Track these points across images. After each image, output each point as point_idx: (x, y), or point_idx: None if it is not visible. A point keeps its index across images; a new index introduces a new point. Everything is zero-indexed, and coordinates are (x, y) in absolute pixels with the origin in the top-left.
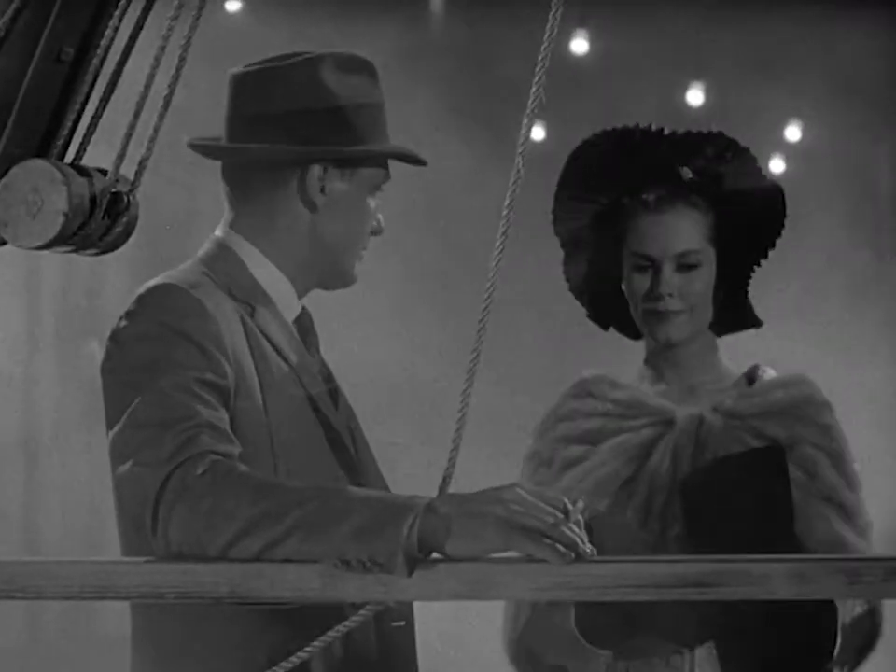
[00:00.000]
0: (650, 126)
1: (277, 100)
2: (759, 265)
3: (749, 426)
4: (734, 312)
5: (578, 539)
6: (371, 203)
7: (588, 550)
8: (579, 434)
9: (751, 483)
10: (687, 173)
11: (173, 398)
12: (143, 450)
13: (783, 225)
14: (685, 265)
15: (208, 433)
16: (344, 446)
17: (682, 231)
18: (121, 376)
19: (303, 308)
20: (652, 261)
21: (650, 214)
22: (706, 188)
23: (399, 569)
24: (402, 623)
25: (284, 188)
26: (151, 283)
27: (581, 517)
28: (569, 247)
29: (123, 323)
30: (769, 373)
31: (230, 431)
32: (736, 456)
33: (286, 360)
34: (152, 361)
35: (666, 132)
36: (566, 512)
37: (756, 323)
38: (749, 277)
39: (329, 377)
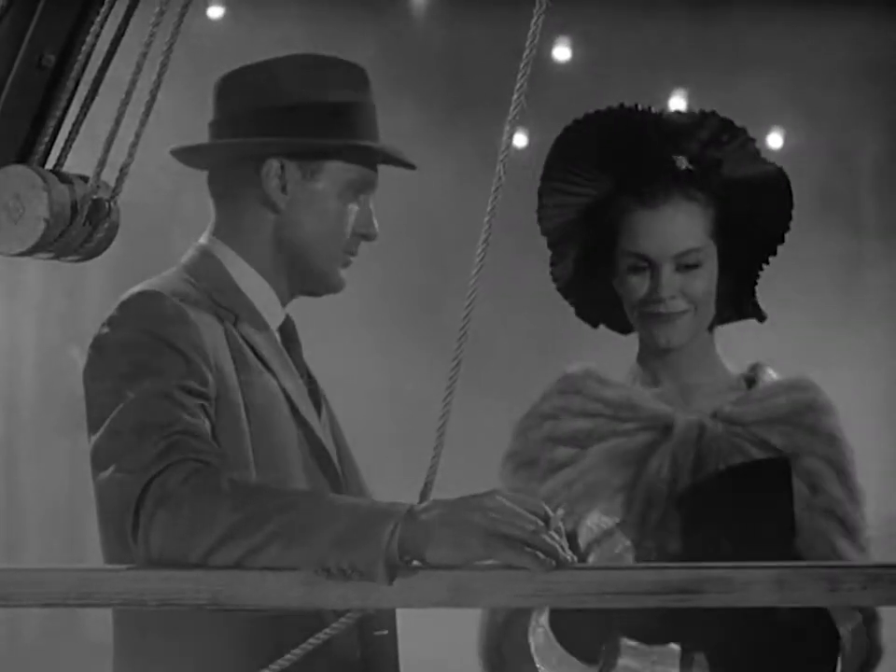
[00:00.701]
0: (635, 105)
1: (241, 100)
2: (768, 261)
3: (750, 433)
4: (736, 307)
5: (558, 547)
6: (349, 204)
7: (568, 557)
8: (567, 434)
9: (754, 498)
10: (682, 162)
11: (154, 404)
12: (124, 456)
13: (790, 215)
14: (686, 265)
15: (190, 440)
16: (327, 455)
17: (681, 228)
18: (104, 383)
19: (287, 316)
20: (650, 262)
21: (644, 209)
22: (704, 177)
23: (380, 577)
24: (385, 632)
25: (247, 189)
26: (134, 289)
27: (561, 524)
28: (557, 246)
29: (105, 330)
30: (769, 375)
31: (211, 438)
32: (740, 468)
33: (268, 369)
34: (134, 368)
35: (654, 110)
36: (546, 519)
37: (759, 315)
38: (758, 274)
39: (312, 386)
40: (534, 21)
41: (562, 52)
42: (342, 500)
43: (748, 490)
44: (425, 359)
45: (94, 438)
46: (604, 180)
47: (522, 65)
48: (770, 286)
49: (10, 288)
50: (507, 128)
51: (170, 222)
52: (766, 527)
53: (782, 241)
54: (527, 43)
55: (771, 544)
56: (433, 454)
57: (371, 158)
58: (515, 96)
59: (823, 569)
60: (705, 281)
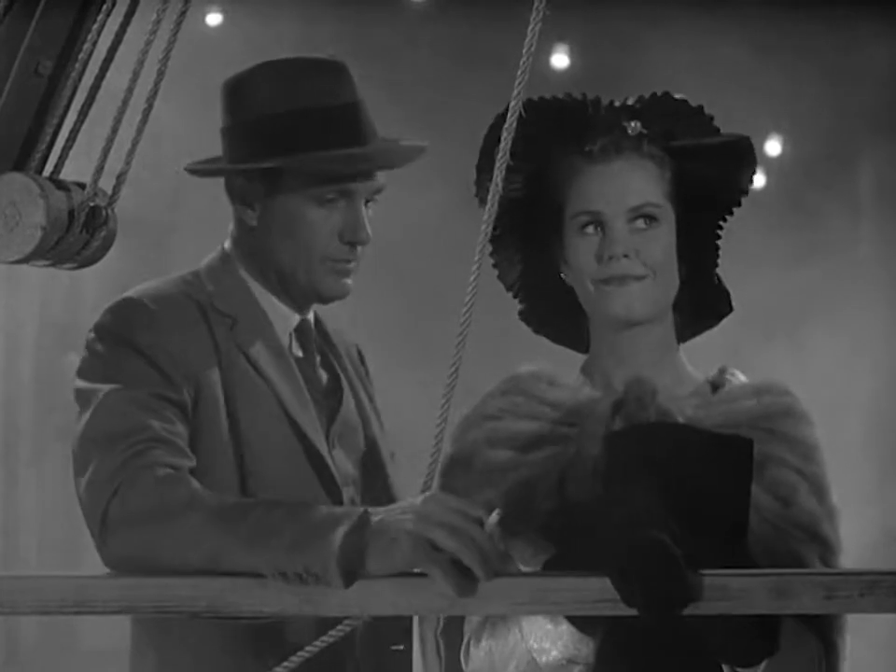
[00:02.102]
0: (584, 94)
1: (222, 114)
2: (722, 225)
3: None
4: (702, 292)
5: (485, 561)
6: (324, 212)
7: (495, 570)
8: (507, 436)
9: (705, 468)
10: (635, 127)
11: (124, 412)
12: (94, 463)
13: (753, 174)
14: (641, 223)
15: (158, 447)
16: (323, 462)
17: (635, 182)
18: (84, 385)
19: (302, 319)
20: (601, 220)
21: (594, 165)
22: (658, 140)
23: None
24: (402, 648)
25: (232, 206)
26: (122, 295)
27: (496, 530)
28: (499, 225)
29: (91, 335)
30: (738, 378)
31: (183, 445)
32: (690, 432)
33: (262, 375)
34: (108, 374)
35: (605, 101)
36: (481, 524)
37: (727, 308)
38: (718, 246)
39: (330, 393)
40: (530, 28)
41: (560, 60)
42: (301, 506)
43: (698, 457)
44: (418, 370)
45: (73, 445)
46: (549, 153)
47: (519, 73)
48: (767, 288)
49: (8, 296)
50: (504, 135)
51: (168, 230)
52: (715, 506)
53: (732, 211)
54: (524, 51)
55: (718, 528)
56: (430, 460)
57: (333, 168)
58: (512, 104)
59: (820, 577)
60: (663, 245)
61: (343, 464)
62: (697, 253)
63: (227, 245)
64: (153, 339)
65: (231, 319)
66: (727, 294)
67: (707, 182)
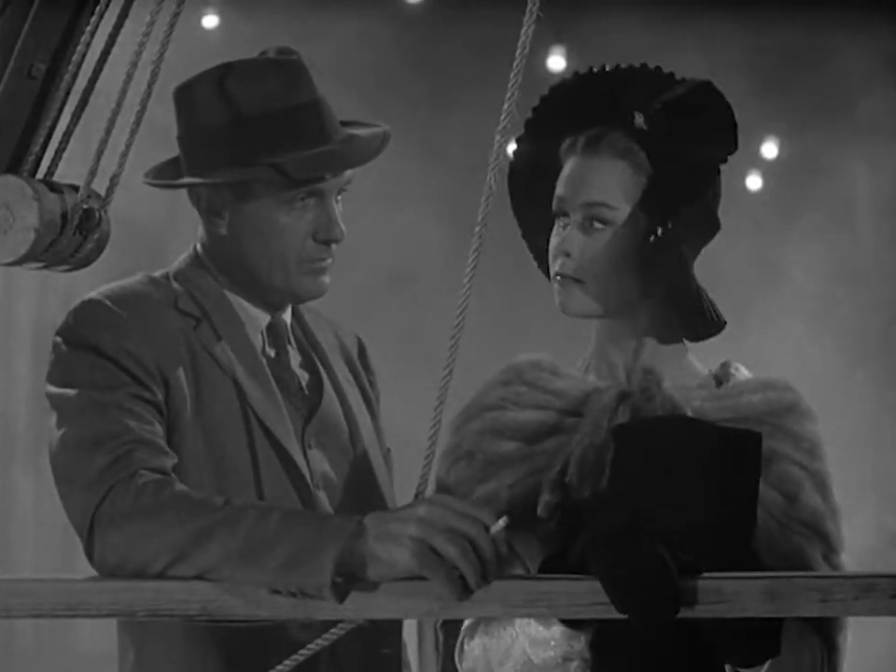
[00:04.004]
0: (631, 65)
1: (177, 120)
2: (699, 250)
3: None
4: (681, 310)
5: (484, 571)
6: (296, 214)
7: (489, 579)
8: (511, 426)
9: (714, 460)
10: (640, 123)
11: (101, 414)
12: (75, 470)
13: (718, 199)
14: (591, 221)
15: (139, 449)
16: (294, 464)
17: (598, 180)
18: (53, 393)
19: (273, 318)
20: (563, 208)
21: (576, 157)
22: (652, 140)
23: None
24: (389, 651)
25: (199, 214)
26: (84, 297)
27: (503, 535)
28: (514, 192)
29: (57, 338)
30: (742, 373)
31: (164, 444)
32: (700, 426)
33: (228, 376)
34: (75, 378)
35: (639, 83)
36: (487, 529)
37: (714, 325)
38: (689, 266)
39: (309, 390)
40: (524, 30)
41: (557, 62)
42: (292, 517)
43: (708, 452)
44: (413, 370)
45: (50, 447)
46: (560, 132)
47: (512, 75)
48: (766, 294)
49: (4, 298)
50: (497, 137)
51: (163, 231)
52: (724, 502)
53: (708, 239)
54: (517, 53)
55: (728, 525)
56: (424, 463)
57: (296, 170)
58: (506, 105)
59: (815, 579)
60: (606, 251)
61: (319, 465)
62: (670, 268)
63: (198, 247)
64: (114, 340)
65: (195, 320)
66: (709, 313)
67: (680, 199)
